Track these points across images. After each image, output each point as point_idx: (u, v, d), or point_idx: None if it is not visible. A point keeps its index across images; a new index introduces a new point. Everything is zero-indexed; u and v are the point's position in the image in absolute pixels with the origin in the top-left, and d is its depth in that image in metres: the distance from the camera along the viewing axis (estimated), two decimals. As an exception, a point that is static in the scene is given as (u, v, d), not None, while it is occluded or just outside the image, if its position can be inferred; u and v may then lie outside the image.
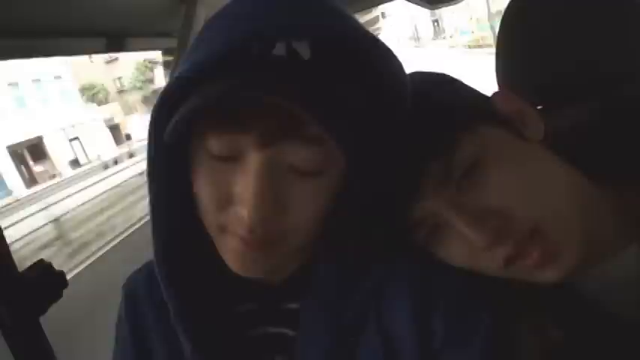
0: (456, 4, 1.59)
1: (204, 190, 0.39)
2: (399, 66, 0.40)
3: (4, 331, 0.60)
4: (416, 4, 1.51)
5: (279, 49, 0.35)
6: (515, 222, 0.42)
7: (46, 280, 0.67)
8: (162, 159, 0.40)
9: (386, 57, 0.39)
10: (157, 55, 1.02)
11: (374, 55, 0.38)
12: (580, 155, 0.47)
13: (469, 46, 23.12)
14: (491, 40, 18.02)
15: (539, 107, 0.65)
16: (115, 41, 0.84)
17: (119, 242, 7.85)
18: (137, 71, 35.52)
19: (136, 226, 8.44)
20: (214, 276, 0.46)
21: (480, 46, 20.98)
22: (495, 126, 0.46)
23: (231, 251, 0.40)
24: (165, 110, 0.37)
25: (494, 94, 0.50)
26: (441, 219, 0.44)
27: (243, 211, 0.37)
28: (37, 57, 0.75)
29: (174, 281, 0.44)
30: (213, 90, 0.34)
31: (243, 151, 0.37)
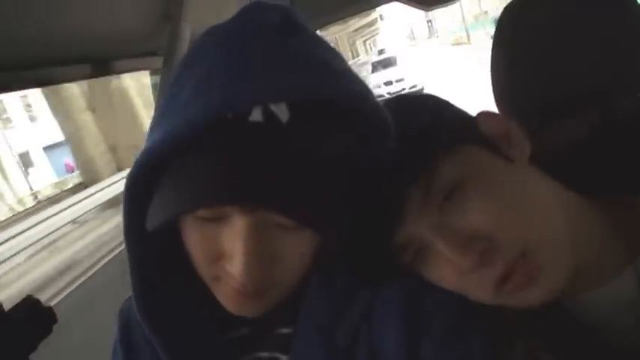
0: (448, 5, 1.48)
1: (192, 245, 0.36)
2: (385, 118, 0.36)
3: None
4: (410, 5, 1.40)
5: (256, 115, 0.31)
6: (499, 244, 0.37)
7: (34, 317, 0.59)
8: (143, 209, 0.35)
9: (372, 109, 0.35)
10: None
11: (359, 108, 0.34)
12: (575, 171, 0.42)
13: (452, 44, 25.38)
14: (466, 39, 21.32)
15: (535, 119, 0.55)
16: (100, 66, 0.74)
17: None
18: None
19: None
20: (203, 305, 0.42)
21: (459, 44, 23.47)
22: (479, 147, 0.41)
23: (226, 297, 0.37)
24: (145, 173, 0.34)
25: (479, 114, 0.44)
26: (425, 242, 0.39)
27: (233, 270, 0.34)
28: (22, 89, 0.66)
29: (159, 324, 0.40)
30: (189, 195, 0.31)
31: (228, 214, 0.34)
